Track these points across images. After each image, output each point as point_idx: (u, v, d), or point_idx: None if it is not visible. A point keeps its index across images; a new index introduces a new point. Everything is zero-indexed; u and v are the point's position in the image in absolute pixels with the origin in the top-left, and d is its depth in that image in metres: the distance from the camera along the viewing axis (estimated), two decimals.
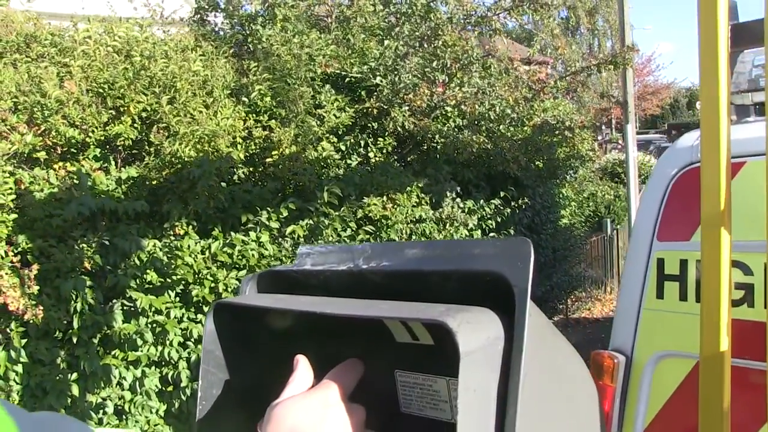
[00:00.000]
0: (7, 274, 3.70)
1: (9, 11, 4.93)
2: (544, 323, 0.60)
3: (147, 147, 4.74)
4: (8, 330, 3.77)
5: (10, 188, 3.83)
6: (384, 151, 5.50)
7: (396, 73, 5.39)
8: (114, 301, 4.34)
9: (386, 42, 6.23)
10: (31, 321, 3.80)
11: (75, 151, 4.58)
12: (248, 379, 0.73)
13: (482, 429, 0.51)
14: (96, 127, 4.34)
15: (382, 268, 0.68)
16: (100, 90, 4.45)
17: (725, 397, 1.22)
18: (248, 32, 5.78)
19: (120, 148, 4.70)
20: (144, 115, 4.70)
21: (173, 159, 4.45)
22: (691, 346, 1.43)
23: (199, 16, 5.89)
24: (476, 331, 0.52)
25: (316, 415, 0.57)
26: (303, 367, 0.63)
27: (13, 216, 3.85)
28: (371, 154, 5.61)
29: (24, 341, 3.87)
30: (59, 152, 4.53)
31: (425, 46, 5.38)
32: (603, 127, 27.96)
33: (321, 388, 0.61)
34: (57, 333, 4.07)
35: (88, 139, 4.52)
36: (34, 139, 4.00)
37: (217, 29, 5.80)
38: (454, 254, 0.63)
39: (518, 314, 0.54)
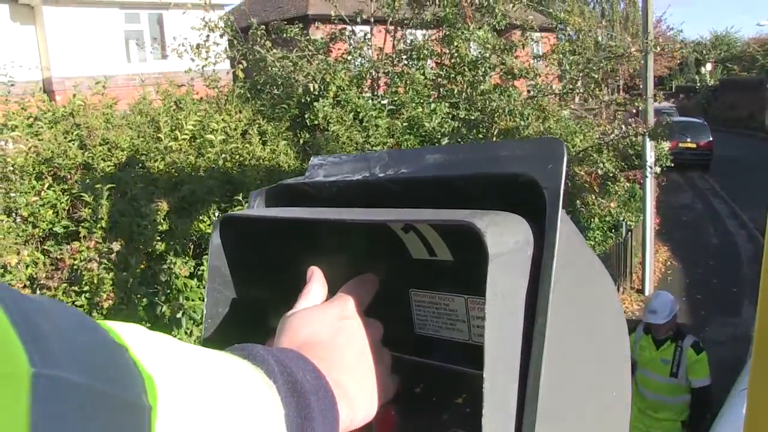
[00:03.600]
0: None
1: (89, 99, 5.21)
2: (573, 232, 0.56)
3: None
4: None
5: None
6: None
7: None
8: None
9: (433, 105, 6.51)
10: None
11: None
12: (256, 296, 0.70)
13: (510, 336, 0.48)
14: (180, 236, 4.71)
15: (401, 175, 0.64)
16: (182, 197, 4.81)
17: None
18: (303, 103, 6.04)
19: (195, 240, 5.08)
20: (218, 213, 5.07)
21: None
22: None
23: (252, 89, 6.12)
24: (504, 234, 0.49)
25: (333, 326, 0.56)
26: (317, 279, 0.61)
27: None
28: None
29: None
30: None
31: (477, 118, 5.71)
32: (608, 88, 27.83)
33: (337, 300, 0.59)
34: None
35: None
36: (133, 259, 4.40)
37: (272, 102, 6.05)
38: (479, 157, 0.59)
39: (549, 217, 0.51)
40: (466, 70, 6.11)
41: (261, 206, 0.73)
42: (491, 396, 0.45)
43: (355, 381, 0.53)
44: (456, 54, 6.32)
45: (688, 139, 19.44)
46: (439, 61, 6.90)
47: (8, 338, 0.28)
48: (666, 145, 16.77)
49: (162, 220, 4.50)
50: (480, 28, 6.49)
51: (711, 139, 19.66)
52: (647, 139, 8.90)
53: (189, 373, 0.38)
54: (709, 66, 33.26)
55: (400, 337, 0.65)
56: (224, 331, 0.66)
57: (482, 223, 0.48)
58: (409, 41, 6.81)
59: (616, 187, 6.90)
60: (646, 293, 11.55)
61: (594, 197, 6.34)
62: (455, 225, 0.50)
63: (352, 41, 6.95)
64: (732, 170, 19.57)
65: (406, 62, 6.37)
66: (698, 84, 29.77)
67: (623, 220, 8.63)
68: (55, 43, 12.53)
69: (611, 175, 6.84)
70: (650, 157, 7.91)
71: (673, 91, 29.89)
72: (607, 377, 0.62)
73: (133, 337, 0.37)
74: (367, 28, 7.22)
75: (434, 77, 6.43)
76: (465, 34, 6.34)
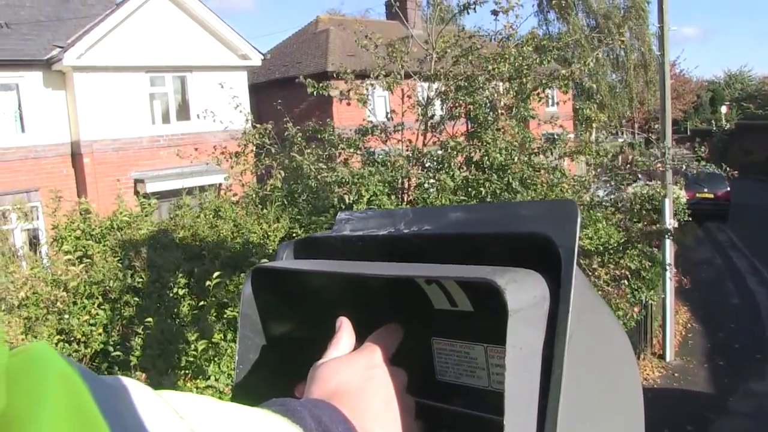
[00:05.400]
0: None
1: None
2: (588, 287, 0.59)
3: None
4: None
5: None
6: None
7: None
8: None
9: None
10: None
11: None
12: (286, 343, 0.73)
13: (529, 387, 0.51)
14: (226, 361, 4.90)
15: (424, 231, 0.67)
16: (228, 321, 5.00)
17: None
18: (339, 210, 6.23)
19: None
20: None
21: None
22: None
23: (289, 196, 6.34)
24: (522, 291, 0.52)
25: (361, 375, 0.58)
26: (346, 329, 0.64)
27: None
28: None
29: None
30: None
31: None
32: (623, 132, 27.93)
33: (365, 350, 0.62)
34: None
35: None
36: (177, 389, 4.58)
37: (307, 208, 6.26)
38: (499, 216, 0.63)
39: (565, 275, 0.54)
40: (495, 176, 6.30)
41: (290, 258, 0.77)
42: None
43: (382, 428, 0.56)
44: (485, 154, 6.51)
45: (705, 190, 19.50)
46: (468, 156, 7.06)
47: None
48: (683, 197, 16.88)
49: (208, 346, 4.70)
50: (510, 119, 6.71)
51: (728, 189, 19.72)
52: (667, 241, 9.00)
53: None
54: (724, 108, 33.28)
55: (422, 383, 0.69)
56: (255, 377, 0.69)
57: (502, 280, 0.52)
58: (438, 130, 6.98)
59: (643, 274, 7.01)
60: (667, 359, 11.39)
61: (617, 306, 6.49)
62: (477, 281, 0.55)
63: (383, 135, 7.15)
64: (750, 220, 19.58)
65: (436, 168, 6.57)
66: (714, 128, 29.74)
67: (645, 298, 8.74)
68: (83, 107, 12.94)
69: (635, 269, 6.96)
70: (669, 257, 8.06)
71: (688, 134, 29.89)
72: (622, 426, 0.64)
73: (188, 409, 0.42)
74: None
75: (463, 179, 6.63)
76: (497, 140, 6.54)
